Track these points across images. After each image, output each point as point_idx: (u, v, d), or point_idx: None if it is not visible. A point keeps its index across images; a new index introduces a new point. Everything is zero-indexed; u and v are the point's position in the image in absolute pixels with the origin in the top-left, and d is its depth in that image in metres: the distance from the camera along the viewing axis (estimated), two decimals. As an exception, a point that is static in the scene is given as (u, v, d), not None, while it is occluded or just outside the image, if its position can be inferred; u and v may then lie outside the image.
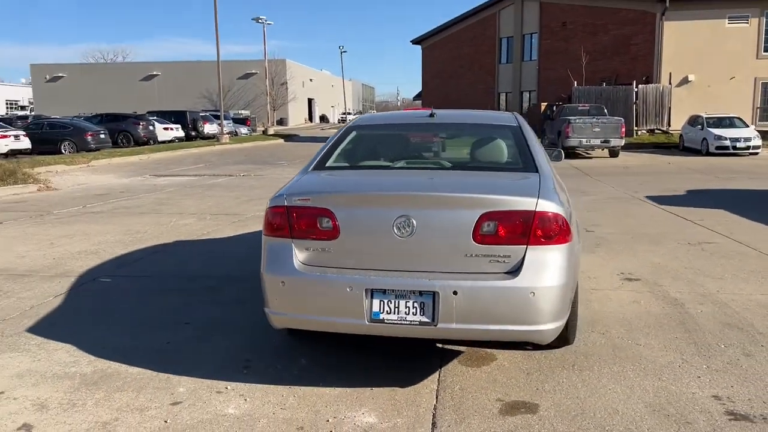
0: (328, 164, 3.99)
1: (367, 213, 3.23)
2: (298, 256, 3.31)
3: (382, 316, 3.14)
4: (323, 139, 34.40)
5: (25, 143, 23.07)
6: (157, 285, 5.47)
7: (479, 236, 3.12)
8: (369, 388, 3.44)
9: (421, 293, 3.11)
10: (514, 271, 3.11)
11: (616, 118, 21.97)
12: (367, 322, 3.15)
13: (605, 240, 7.33)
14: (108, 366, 3.75)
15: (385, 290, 3.14)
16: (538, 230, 3.12)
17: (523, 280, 3.06)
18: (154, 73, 66.03)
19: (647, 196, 11.25)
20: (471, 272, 3.13)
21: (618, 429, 3.00)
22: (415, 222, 3.15)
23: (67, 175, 16.94)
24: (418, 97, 46.98)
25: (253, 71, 61.37)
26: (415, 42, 43.00)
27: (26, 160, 19.62)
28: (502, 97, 38.55)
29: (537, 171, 3.69)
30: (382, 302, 3.15)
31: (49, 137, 24.56)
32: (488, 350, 3.94)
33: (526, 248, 3.12)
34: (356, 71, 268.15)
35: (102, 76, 66.06)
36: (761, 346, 4.00)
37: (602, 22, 31.55)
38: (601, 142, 21.14)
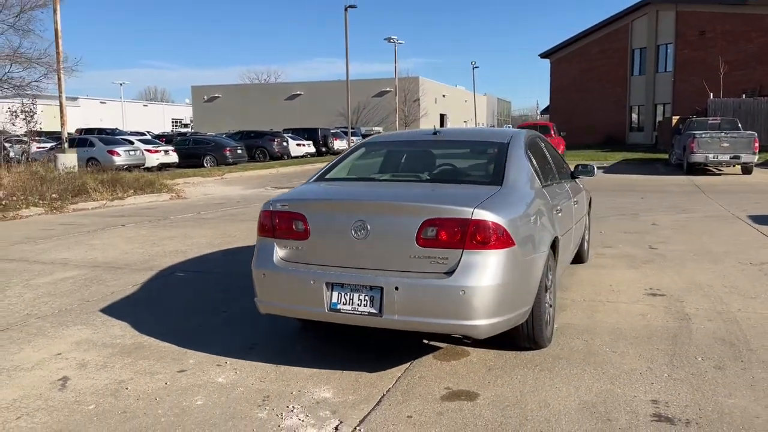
0: (328, 176, 4.60)
1: (332, 218, 3.79)
2: (279, 253, 3.94)
3: (339, 307, 3.67)
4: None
5: (173, 158, 25.91)
6: (217, 280, 6.36)
7: (422, 240, 3.56)
8: (341, 371, 3.97)
9: (370, 288, 3.61)
10: (451, 271, 3.51)
11: (748, 132, 20.55)
12: (326, 311, 3.70)
13: (661, 257, 7.26)
14: (144, 340, 4.59)
15: (342, 284, 3.68)
16: (475, 236, 3.51)
17: (455, 280, 3.46)
18: (297, 92, 70.36)
19: (750, 216, 10.68)
20: (414, 271, 3.58)
21: (537, 419, 3.30)
22: (369, 226, 3.66)
23: (201, 186, 18.92)
24: (545, 111, 46.28)
25: (387, 89, 63.44)
26: (543, 56, 42.53)
27: (169, 172, 22.12)
28: (634, 110, 37.01)
29: (500, 184, 4.04)
30: (339, 294, 3.68)
31: (193, 152, 27.37)
32: (464, 347, 4.31)
33: (462, 252, 3.51)
34: (493, 86, 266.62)
35: (251, 96, 71.54)
36: (740, 362, 4.02)
37: (745, 29, 29.54)
38: (730, 158, 19.89)
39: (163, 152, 25.51)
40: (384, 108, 62.74)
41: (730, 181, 18.20)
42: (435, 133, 4.96)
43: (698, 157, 19.96)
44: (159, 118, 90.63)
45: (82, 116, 79.32)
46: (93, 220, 11.38)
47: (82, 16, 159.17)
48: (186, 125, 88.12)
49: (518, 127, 27.14)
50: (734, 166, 20.30)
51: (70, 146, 23.36)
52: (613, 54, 37.73)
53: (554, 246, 4.50)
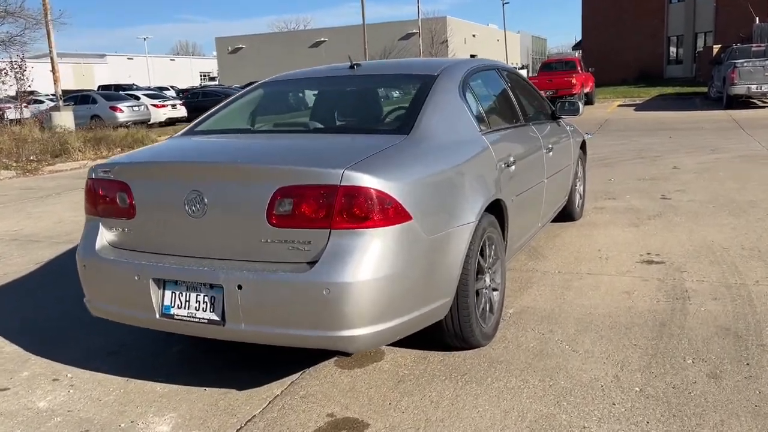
0: (200, 128, 3.55)
1: (160, 187, 2.76)
2: (105, 236, 2.93)
3: (173, 311, 2.68)
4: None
5: (182, 112, 25.07)
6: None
7: (275, 217, 2.51)
8: (203, 389, 3.01)
9: (211, 286, 2.59)
10: (314, 261, 2.47)
11: (796, 58, 18.52)
12: (158, 317, 2.71)
13: (671, 210, 6.04)
14: (-10, 342, 3.71)
15: (176, 280, 2.68)
16: (347, 210, 2.44)
17: (316, 274, 2.42)
18: (322, 39, 68.41)
19: (790, 153, 9.27)
20: (266, 261, 2.54)
21: (430, 472, 2.30)
22: (206, 199, 2.62)
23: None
24: (577, 46, 43.69)
25: (413, 31, 61.03)
26: (575, -13, 39.73)
27: (174, 128, 21.30)
28: (672, 41, 34.46)
29: (407, 133, 2.93)
30: (173, 294, 2.68)
31: (202, 105, 26.36)
32: (384, 346, 3.30)
33: (329, 233, 2.46)
34: (527, 23, 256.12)
35: (275, 46, 69.91)
36: (745, 365, 2.92)
37: (797, -57, 26.68)
38: (775, 88, 17.99)
39: (170, 106, 24.67)
40: (411, 51, 60.47)
41: (775, 114, 16.43)
42: (352, 66, 3.83)
43: (739, 89, 18.10)
44: (187, 72, 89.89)
45: (110, 73, 79.16)
46: (60, 183, 10.59)
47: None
48: (213, 78, 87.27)
49: (542, 64, 25.34)
50: (783, 97, 18.41)
51: (75, 104, 22.75)
52: (650, -20, 34.94)
53: (499, 211, 3.41)
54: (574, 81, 20.70)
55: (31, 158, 12.52)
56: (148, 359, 3.39)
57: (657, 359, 3.02)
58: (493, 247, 3.31)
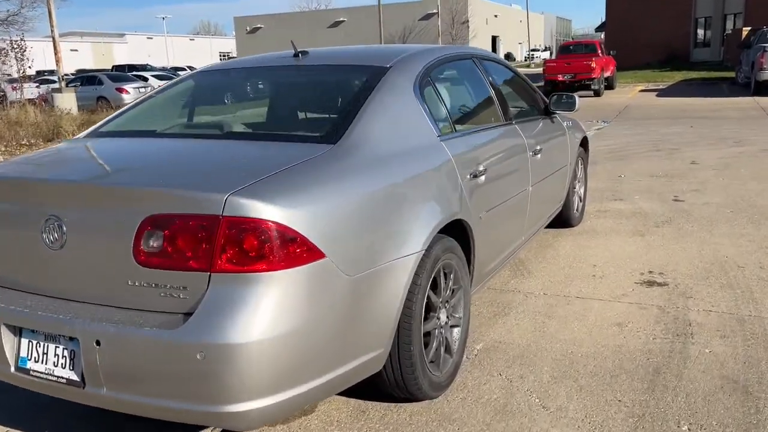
0: (104, 128, 2.99)
1: (15, 210, 2.23)
2: None
3: (29, 365, 2.15)
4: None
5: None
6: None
7: (143, 254, 1.97)
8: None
9: (70, 338, 2.07)
10: (190, 313, 1.93)
11: (831, 42, 17.47)
12: (12, 370, 2.19)
13: (684, 215, 5.40)
14: None
15: (33, 328, 2.15)
16: (228, 247, 1.89)
17: (187, 332, 1.87)
18: (341, 19, 67.55)
19: (821, 147, 8.52)
20: (136, 309, 2.00)
21: None
22: (65, 227, 2.09)
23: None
24: (600, 28, 42.36)
25: (434, 11, 59.90)
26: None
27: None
28: (700, 23, 33.15)
29: (335, 142, 2.35)
30: (30, 344, 2.16)
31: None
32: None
33: (209, 277, 1.92)
34: (551, 4, 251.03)
35: (293, 25, 69.10)
36: (754, 438, 2.34)
37: None
38: (807, 74, 16.99)
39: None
40: (431, 32, 59.38)
41: (806, 101, 15.50)
42: (296, 55, 3.25)
43: (768, 75, 17.15)
44: (206, 52, 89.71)
45: (129, 52, 79.12)
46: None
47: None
48: (232, 57, 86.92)
49: (560, 47, 24.37)
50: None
51: (81, 85, 22.42)
52: (677, -42, 33.54)
53: (463, 232, 2.84)
54: (593, 65, 19.75)
55: (23, 142, 12.15)
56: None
57: (645, 423, 2.45)
58: (452, 276, 2.75)
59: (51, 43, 16.90)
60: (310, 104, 3.09)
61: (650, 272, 4.06)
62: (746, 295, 3.63)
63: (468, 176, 2.90)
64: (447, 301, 2.74)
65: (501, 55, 73.68)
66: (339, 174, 2.20)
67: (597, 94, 19.98)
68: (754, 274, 3.94)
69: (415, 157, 2.59)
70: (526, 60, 67.70)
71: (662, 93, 20.07)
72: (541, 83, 20.54)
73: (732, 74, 22.93)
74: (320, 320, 2.02)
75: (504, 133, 3.53)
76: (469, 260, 2.95)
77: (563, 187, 4.65)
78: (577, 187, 5.14)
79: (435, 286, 2.61)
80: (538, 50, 69.53)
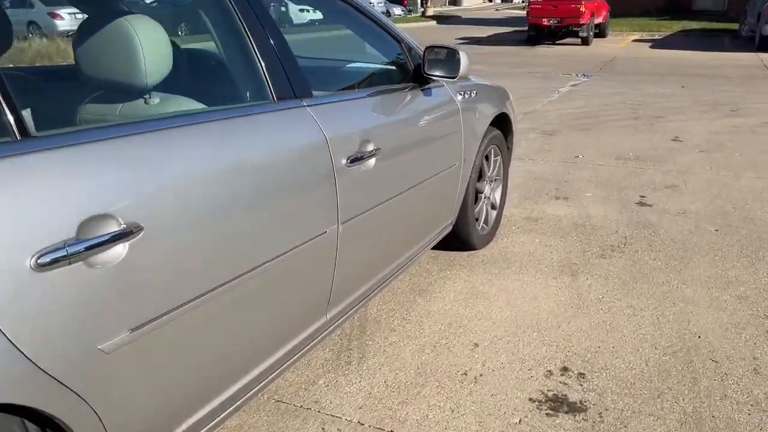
0: None
1: None
2: None
3: None
4: (482, 21, 30.07)
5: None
6: None
7: None
8: None
9: None
10: None
11: None
12: None
13: (648, 235, 3.66)
14: None
15: None
16: None
17: None
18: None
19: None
20: None
21: None
22: None
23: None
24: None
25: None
26: None
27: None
28: (706, -32, 30.60)
29: None
30: None
31: (165, 16, 23.62)
32: None
33: None
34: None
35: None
36: None
37: None
38: (819, 28, 15.04)
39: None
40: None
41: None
42: None
43: (776, 28, 15.19)
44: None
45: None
46: None
47: None
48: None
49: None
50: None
51: (10, 8, 20.04)
52: None
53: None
54: (582, 9, 17.55)
55: None
56: None
57: None
58: None
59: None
60: None
61: (563, 371, 2.33)
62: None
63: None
64: None
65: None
66: None
67: (585, 42, 17.88)
68: (744, 387, 2.22)
69: None
70: (522, 1, 64.18)
71: (657, 44, 18.03)
72: (525, 27, 18.42)
73: (735, 26, 20.83)
74: None
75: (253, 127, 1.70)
76: None
77: (450, 196, 2.87)
78: (486, 190, 3.37)
79: None
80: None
